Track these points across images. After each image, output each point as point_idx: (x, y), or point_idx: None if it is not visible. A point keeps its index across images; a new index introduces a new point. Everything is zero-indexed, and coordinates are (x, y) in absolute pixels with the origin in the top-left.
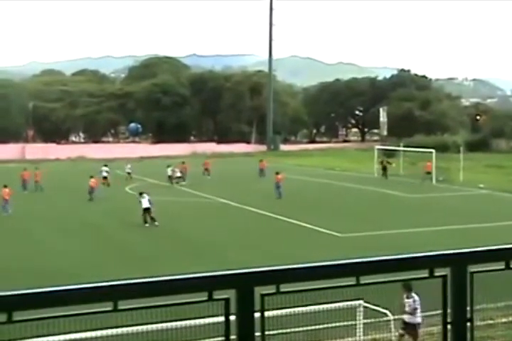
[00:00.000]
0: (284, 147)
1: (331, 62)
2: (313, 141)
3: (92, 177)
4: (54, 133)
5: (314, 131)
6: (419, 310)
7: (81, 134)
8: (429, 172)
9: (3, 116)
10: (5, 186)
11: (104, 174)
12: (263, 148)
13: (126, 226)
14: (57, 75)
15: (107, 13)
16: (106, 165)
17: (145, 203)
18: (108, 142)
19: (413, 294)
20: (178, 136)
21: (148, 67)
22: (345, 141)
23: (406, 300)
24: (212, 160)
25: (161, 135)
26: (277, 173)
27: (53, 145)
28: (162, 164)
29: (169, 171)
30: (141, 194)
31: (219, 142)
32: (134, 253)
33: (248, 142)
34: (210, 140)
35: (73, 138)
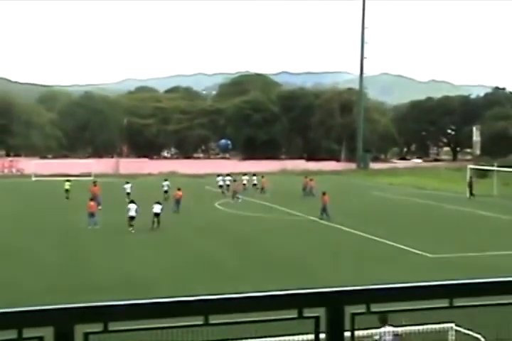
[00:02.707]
0: (373, 165)
1: (422, 80)
2: (403, 160)
3: (179, 189)
4: (147, 148)
5: (405, 149)
6: None
7: (173, 150)
8: None
9: (100, 130)
10: (91, 199)
11: (228, 182)
12: (352, 166)
13: (218, 243)
14: (150, 92)
15: (200, 33)
16: (228, 175)
17: (132, 211)
18: (199, 158)
19: (387, 327)
20: (268, 152)
21: (239, 84)
22: (436, 160)
23: (382, 335)
24: (299, 178)
25: (251, 151)
26: (324, 193)
27: (146, 160)
28: (252, 181)
29: (165, 186)
30: (131, 202)
31: (308, 159)
32: (224, 271)
33: (338, 160)
34: (300, 157)
35: (165, 154)
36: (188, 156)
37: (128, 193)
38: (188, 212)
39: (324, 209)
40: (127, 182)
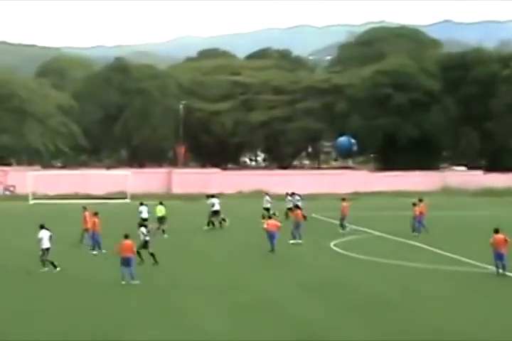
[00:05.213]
0: None
1: None
2: None
3: (270, 217)
4: (217, 152)
5: None
6: None
7: (260, 154)
8: None
9: (141, 123)
10: (125, 237)
11: None
12: None
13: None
14: (223, 58)
15: None
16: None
17: (45, 243)
18: (301, 168)
19: None
20: (420, 157)
21: (371, 44)
22: None
23: None
24: (476, 200)
25: (390, 156)
26: (496, 232)
27: (216, 170)
28: (391, 205)
29: (266, 202)
30: (42, 227)
31: (488, 169)
32: None
33: None
34: (473, 166)
35: (247, 160)
36: (284, 166)
37: (144, 219)
38: (284, 253)
39: (500, 258)
40: (142, 204)
